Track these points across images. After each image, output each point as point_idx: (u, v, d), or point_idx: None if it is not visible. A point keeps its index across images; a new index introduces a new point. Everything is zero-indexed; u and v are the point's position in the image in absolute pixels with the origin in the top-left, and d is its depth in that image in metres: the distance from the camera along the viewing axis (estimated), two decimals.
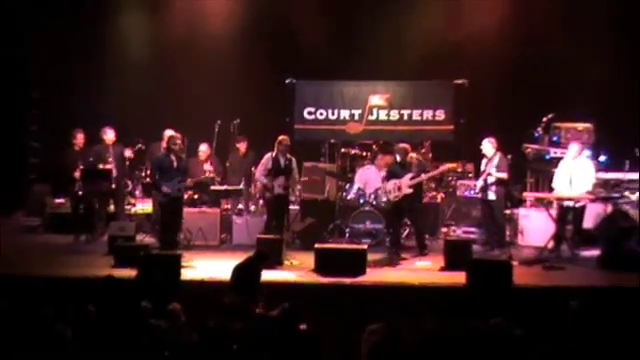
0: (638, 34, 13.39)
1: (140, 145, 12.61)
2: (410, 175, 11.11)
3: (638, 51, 13.40)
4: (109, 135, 12.43)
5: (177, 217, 11.11)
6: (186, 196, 11.74)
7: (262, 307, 8.15)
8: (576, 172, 11.19)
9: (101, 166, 12.24)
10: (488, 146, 11.71)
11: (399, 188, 11.08)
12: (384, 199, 11.50)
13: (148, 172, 12.31)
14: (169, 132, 12.04)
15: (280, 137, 11.50)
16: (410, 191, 11.06)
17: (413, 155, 11.36)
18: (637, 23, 13.38)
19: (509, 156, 11.87)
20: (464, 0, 14.09)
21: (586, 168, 11.29)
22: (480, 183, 11.71)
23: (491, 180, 11.57)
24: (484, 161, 11.72)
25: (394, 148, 11.68)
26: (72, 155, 12.33)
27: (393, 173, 11.34)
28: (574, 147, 11.42)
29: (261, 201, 12.25)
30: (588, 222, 11.47)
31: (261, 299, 8.29)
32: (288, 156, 11.44)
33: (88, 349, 6.75)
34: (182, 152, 11.11)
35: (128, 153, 12.45)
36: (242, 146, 12.94)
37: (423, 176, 11.29)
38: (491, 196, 11.63)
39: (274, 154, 11.41)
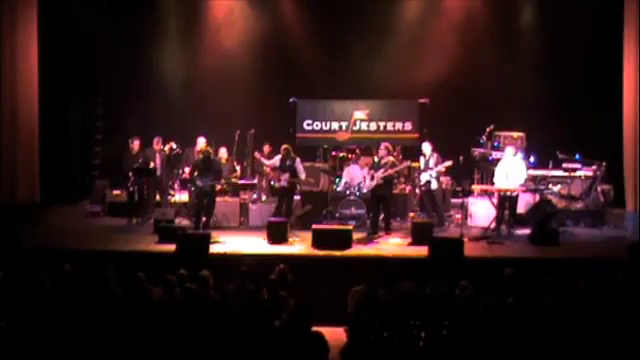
0: (559, 67, 13.47)
1: (178, 150, 12.56)
2: (382, 170, 11.09)
3: (559, 79, 13.47)
4: (157, 143, 12.38)
5: (209, 205, 11.12)
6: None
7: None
8: (512, 169, 11.20)
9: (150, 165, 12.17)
10: (427, 147, 11.77)
11: (372, 179, 11.11)
12: (364, 189, 11.51)
13: (185, 170, 12.25)
14: (201, 140, 12.07)
15: (284, 145, 11.64)
16: (381, 182, 11.04)
17: (391, 158, 11.33)
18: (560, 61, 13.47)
19: (461, 157, 11.85)
20: (427, 41, 14.04)
21: (519, 166, 11.30)
22: (425, 177, 11.68)
23: (434, 174, 11.57)
24: (422, 159, 11.70)
25: (379, 148, 11.54)
26: (129, 157, 12.25)
27: (371, 168, 11.35)
28: (510, 150, 11.45)
29: (274, 183, 12.11)
30: (521, 208, 11.47)
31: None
32: (292, 156, 11.50)
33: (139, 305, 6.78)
34: (214, 157, 11.28)
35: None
36: (267, 149, 12.80)
37: (390, 170, 11.25)
38: (434, 186, 11.66)
39: (282, 157, 11.55)
